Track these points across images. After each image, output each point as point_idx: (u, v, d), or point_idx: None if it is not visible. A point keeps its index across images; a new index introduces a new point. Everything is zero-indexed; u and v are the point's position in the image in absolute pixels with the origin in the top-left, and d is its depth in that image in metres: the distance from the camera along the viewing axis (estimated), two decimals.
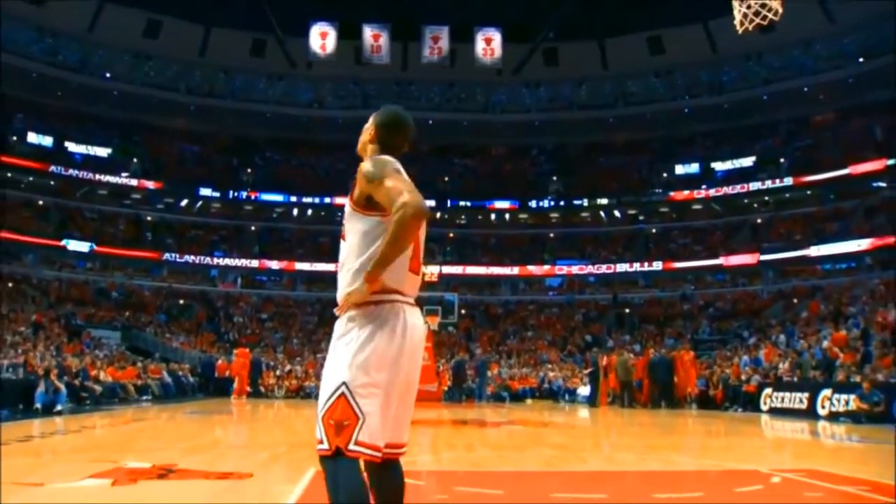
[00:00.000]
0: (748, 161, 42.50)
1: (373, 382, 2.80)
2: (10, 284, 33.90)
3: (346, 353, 2.86)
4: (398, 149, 3.14)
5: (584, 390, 26.46)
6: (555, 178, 46.06)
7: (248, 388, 26.39)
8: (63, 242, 39.36)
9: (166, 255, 42.11)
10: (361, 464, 2.81)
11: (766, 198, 41.44)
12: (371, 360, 2.82)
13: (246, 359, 26.74)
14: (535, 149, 47.90)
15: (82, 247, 39.91)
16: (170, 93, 43.48)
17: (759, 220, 41.75)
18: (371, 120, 3.18)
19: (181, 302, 40.76)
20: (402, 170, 2.95)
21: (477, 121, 45.30)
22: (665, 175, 44.75)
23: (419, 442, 10.19)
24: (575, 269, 43.31)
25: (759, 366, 23.60)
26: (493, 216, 45.18)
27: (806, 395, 18.40)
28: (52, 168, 40.47)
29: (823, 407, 17.22)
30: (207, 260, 42.95)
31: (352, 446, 2.75)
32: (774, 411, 19.36)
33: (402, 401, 2.96)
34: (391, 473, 2.99)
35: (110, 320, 35.33)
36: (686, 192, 42.96)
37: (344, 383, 2.80)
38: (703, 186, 42.63)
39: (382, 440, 2.83)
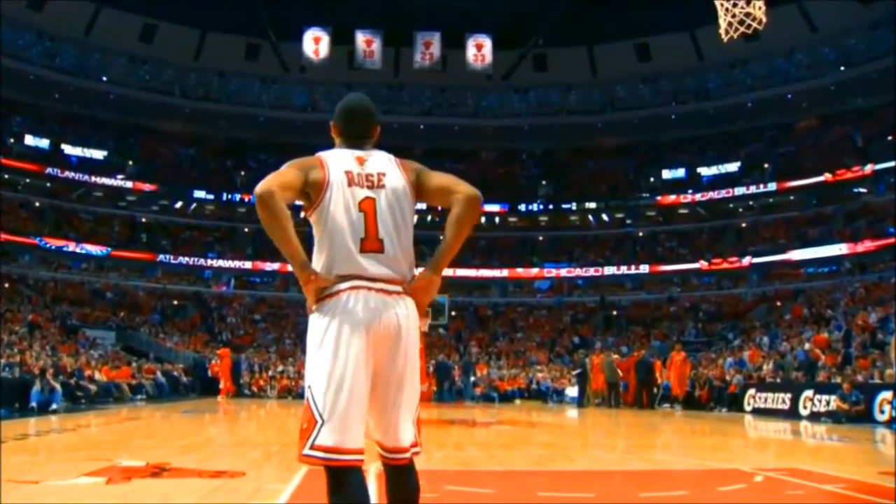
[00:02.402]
0: (733, 166, 42.89)
1: (332, 379, 2.67)
2: (6, 284, 34.07)
3: (309, 353, 2.77)
4: (362, 136, 3.08)
5: (571, 391, 26.77)
6: (544, 182, 46.33)
7: (233, 388, 26.56)
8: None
9: (161, 257, 42.29)
10: (374, 468, 2.80)
11: (751, 202, 41.89)
12: (328, 357, 2.70)
13: (228, 359, 26.93)
14: (524, 153, 48.23)
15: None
16: (165, 96, 43.59)
17: (743, 225, 42.26)
18: None
19: (175, 303, 41.02)
20: (302, 163, 2.91)
21: (467, 125, 45.48)
22: (652, 179, 45.15)
23: None
24: (563, 272, 43.61)
25: (743, 367, 23.91)
26: (483, 219, 44.82)
27: (788, 395, 18.79)
28: (49, 170, 40.57)
29: (805, 407, 17.62)
30: (201, 261, 43.10)
31: (306, 451, 2.65)
32: (757, 411, 19.65)
33: (384, 398, 2.80)
34: (401, 479, 2.85)
35: (105, 320, 35.50)
36: (672, 197, 43.28)
37: (308, 386, 2.72)
38: (690, 191, 42.92)
39: (354, 442, 2.66)
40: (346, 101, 3.15)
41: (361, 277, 2.79)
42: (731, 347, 29.81)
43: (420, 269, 3.00)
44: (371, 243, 2.83)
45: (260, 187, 2.70)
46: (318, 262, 2.86)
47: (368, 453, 2.77)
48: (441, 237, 2.98)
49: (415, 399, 2.91)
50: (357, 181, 2.89)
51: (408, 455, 2.85)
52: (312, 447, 2.64)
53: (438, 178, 3.02)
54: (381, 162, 2.99)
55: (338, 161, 2.94)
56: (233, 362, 27.47)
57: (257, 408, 21.75)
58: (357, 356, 2.71)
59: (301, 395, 23.65)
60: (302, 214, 2.96)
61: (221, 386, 26.17)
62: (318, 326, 2.78)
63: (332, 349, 2.71)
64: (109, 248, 40.88)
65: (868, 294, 29.87)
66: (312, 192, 2.86)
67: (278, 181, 2.76)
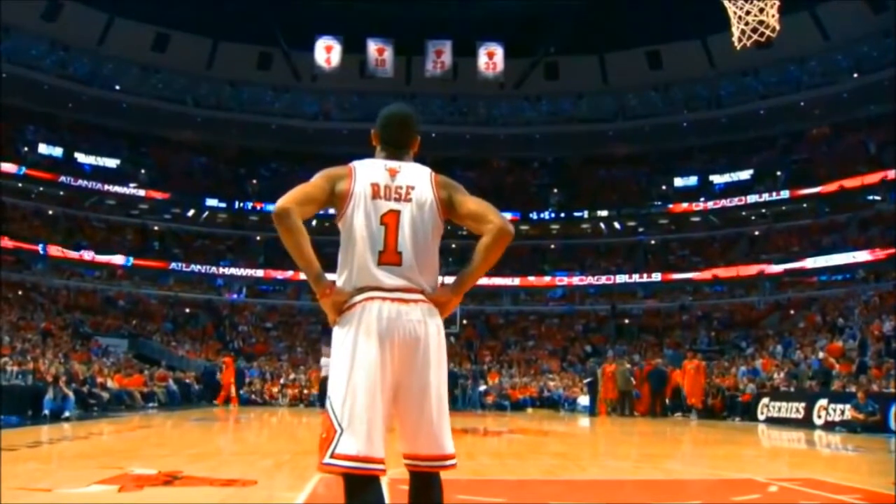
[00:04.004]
0: (745, 174, 42.68)
1: (352, 391, 2.72)
2: (19, 292, 34.42)
3: (332, 365, 2.83)
4: (398, 145, 3.10)
5: (583, 400, 26.63)
6: (555, 190, 46.30)
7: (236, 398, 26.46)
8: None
9: (173, 265, 42.42)
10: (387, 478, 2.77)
11: (763, 210, 41.58)
12: (345, 367, 2.76)
13: (232, 367, 26.94)
14: (535, 162, 48.29)
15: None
16: (177, 105, 43.89)
17: (756, 233, 41.96)
18: None
19: (187, 311, 41.15)
20: (332, 174, 2.96)
21: (479, 134, 45.51)
22: (664, 188, 45.01)
23: None
24: (575, 280, 43.45)
25: (756, 376, 23.77)
26: None
27: (802, 404, 18.63)
28: (62, 178, 40.87)
29: (819, 416, 17.47)
30: (213, 269, 43.22)
31: (326, 460, 2.69)
32: (771, 420, 19.54)
33: (407, 405, 2.84)
34: (426, 488, 2.88)
35: (117, 328, 35.55)
36: (684, 205, 43.14)
37: (328, 396, 2.78)
38: (702, 199, 42.76)
39: (375, 451, 2.69)
40: (387, 108, 3.18)
41: (378, 289, 2.84)
42: (744, 356, 29.58)
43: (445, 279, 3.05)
44: (389, 256, 2.88)
45: (277, 204, 2.79)
46: (339, 272, 2.94)
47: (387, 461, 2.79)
48: (469, 261, 3.01)
49: (442, 404, 2.91)
50: (384, 194, 2.93)
51: (442, 464, 2.88)
52: (333, 456, 2.69)
53: (473, 204, 3.02)
54: (413, 175, 3.01)
55: (367, 172, 2.97)
56: (237, 371, 27.50)
57: (269, 416, 21.75)
58: (373, 365, 2.75)
59: (312, 404, 23.72)
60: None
61: (232, 394, 26.16)
62: (337, 338, 2.85)
63: (348, 360, 2.77)
64: (131, 257, 41.30)
65: (882, 302, 29.58)
66: (337, 202, 2.93)
67: (298, 196, 2.85)
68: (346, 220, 2.90)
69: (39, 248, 38.46)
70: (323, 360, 16.93)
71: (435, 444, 2.85)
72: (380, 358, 2.76)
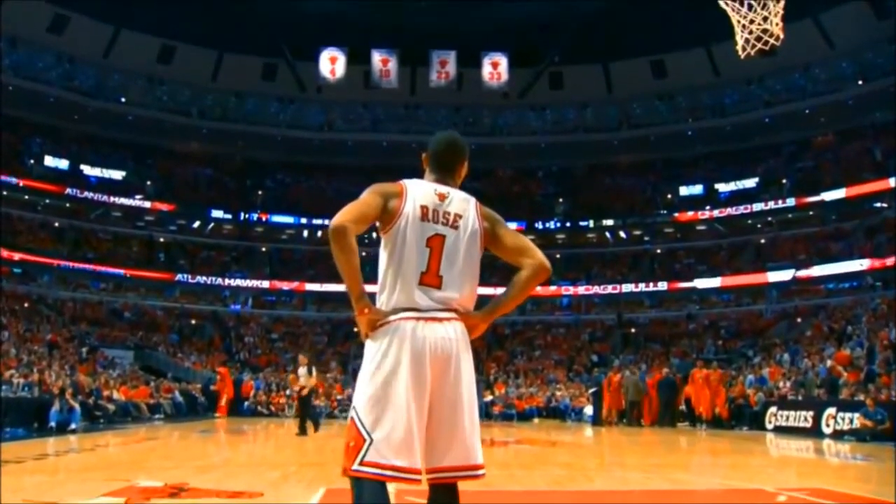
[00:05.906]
0: (751, 182, 42.62)
1: (383, 403, 2.81)
2: (26, 305, 34.45)
3: (360, 376, 2.91)
4: (444, 168, 3.17)
5: (590, 409, 26.55)
6: (561, 199, 46.31)
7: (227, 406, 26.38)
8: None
9: (179, 276, 42.47)
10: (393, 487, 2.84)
11: (769, 218, 41.50)
12: (379, 381, 2.83)
13: (228, 377, 26.92)
14: (541, 171, 48.24)
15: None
16: (183, 117, 43.96)
17: (762, 241, 41.86)
18: None
19: (193, 322, 41.13)
20: (384, 190, 3.00)
21: (484, 144, 45.06)
22: (669, 196, 44.99)
23: None
24: (581, 290, 43.39)
25: (763, 385, 23.57)
26: None
27: (810, 413, 18.47)
28: (68, 190, 40.95)
29: (828, 425, 17.31)
30: (219, 281, 43.22)
31: (355, 467, 2.77)
32: (779, 429, 19.37)
33: (438, 420, 2.90)
34: (445, 501, 2.95)
35: (123, 340, 35.57)
36: (690, 213, 43.08)
37: (354, 406, 2.88)
38: (707, 207, 42.76)
39: (402, 460, 2.77)
40: (439, 133, 3.27)
41: (414, 309, 2.93)
42: (751, 365, 29.44)
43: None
44: (430, 278, 2.96)
45: (335, 221, 2.84)
46: (380, 290, 3.01)
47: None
48: (504, 290, 3.12)
49: (474, 417, 2.99)
50: (432, 217, 3.01)
51: (473, 473, 2.94)
52: (362, 463, 2.77)
53: (514, 238, 3.16)
54: (461, 203, 3.08)
55: (417, 193, 3.04)
56: (234, 381, 27.57)
57: (275, 427, 21.73)
58: (405, 378, 2.83)
59: (318, 414, 23.59)
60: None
61: (221, 403, 26.15)
62: (368, 352, 2.94)
63: (379, 373, 2.86)
64: (137, 269, 41.55)
65: (890, 309, 29.37)
66: (386, 218, 2.99)
67: (354, 215, 2.89)
68: (392, 237, 2.97)
69: (46, 260, 38.53)
70: (301, 371, 16.80)
71: (469, 455, 2.93)
72: (412, 372, 2.84)
